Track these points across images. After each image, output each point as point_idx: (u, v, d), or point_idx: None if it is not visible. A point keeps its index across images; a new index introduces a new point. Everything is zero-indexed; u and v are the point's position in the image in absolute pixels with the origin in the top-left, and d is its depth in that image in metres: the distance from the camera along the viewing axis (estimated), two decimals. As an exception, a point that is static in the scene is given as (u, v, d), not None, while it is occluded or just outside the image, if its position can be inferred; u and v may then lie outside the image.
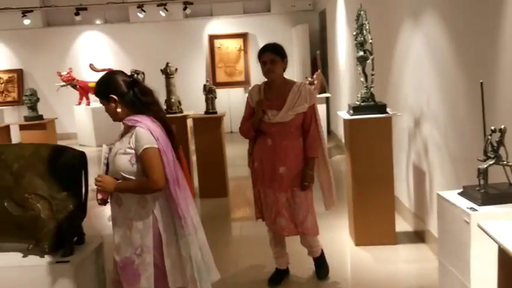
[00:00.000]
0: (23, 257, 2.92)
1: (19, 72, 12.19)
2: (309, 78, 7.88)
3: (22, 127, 8.53)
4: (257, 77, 11.85)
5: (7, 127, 8.61)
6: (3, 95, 12.12)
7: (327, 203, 3.78)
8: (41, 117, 8.57)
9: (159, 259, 2.58)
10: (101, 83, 2.62)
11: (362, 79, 4.43)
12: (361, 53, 4.35)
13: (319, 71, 7.97)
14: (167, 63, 6.16)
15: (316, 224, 3.66)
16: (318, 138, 3.56)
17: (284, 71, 3.58)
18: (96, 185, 2.55)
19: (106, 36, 12.15)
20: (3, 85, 12.09)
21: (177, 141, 2.68)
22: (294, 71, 11.54)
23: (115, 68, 10.82)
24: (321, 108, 7.79)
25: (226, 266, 4.14)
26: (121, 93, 2.54)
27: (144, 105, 2.56)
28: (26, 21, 11.41)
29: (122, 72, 2.68)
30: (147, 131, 2.47)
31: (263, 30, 11.73)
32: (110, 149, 2.61)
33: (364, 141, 4.32)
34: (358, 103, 4.40)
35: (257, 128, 3.58)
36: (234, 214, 6.22)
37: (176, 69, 6.23)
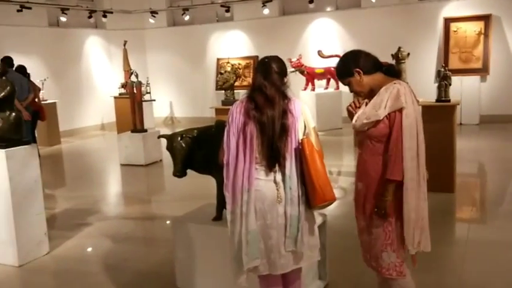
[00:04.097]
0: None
1: (255, 59, 13.33)
2: None
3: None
4: (498, 64, 10.63)
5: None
6: (240, 79, 13.42)
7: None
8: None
9: None
10: None
11: None
12: None
13: None
14: (399, 48, 5.91)
15: (398, 266, 2.73)
16: (398, 157, 2.61)
17: (371, 73, 2.73)
18: None
19: (336, 22, 12.36)
20: (240, 70, 13.38)
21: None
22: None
23: (342, 54, 10.94)
24: None
25: (448, 266, 3.89)
26: None
27: None
28: (265, 11, 12.38)
29: None
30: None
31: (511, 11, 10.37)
32: None
33: None
34: None
35: None
36: (461, 213, 5.70)
37: (408, 54, 5.92)
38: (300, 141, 2.60)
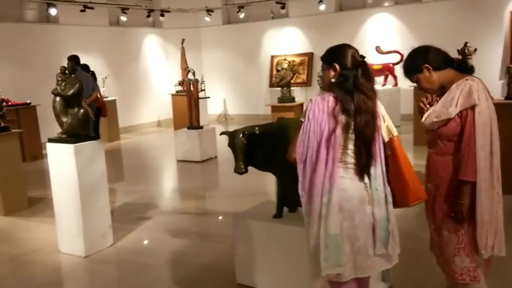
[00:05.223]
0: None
1: (310, 56, 13.22)
2: None
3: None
4: None
5: (301, 105, 9.67)
6: (294, 76, 13.32)
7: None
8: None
9: None
10: None
11: None
12: None
13: None
14: (465, 43, 5.66)
15: (472, 270, 2.64)
16: (472, 157, 2.50)
17: (441, 69, 2.63)
18: None
19: (394, 17, 12.05)
20: (295, 67, 13.28)
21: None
22: None
23: (401, 50, 10.64)
24: None
25: (504, 269, 3.68)
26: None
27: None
28: (322, 7, 12.24)
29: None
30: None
31: None
32: None
33: None
34: None
35: None
36: (531, 217, 5.37)
37: (475, 50, 5.66)
38: (390, 140, 2.56)
